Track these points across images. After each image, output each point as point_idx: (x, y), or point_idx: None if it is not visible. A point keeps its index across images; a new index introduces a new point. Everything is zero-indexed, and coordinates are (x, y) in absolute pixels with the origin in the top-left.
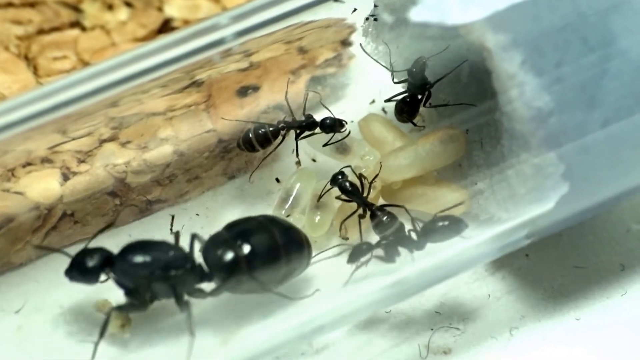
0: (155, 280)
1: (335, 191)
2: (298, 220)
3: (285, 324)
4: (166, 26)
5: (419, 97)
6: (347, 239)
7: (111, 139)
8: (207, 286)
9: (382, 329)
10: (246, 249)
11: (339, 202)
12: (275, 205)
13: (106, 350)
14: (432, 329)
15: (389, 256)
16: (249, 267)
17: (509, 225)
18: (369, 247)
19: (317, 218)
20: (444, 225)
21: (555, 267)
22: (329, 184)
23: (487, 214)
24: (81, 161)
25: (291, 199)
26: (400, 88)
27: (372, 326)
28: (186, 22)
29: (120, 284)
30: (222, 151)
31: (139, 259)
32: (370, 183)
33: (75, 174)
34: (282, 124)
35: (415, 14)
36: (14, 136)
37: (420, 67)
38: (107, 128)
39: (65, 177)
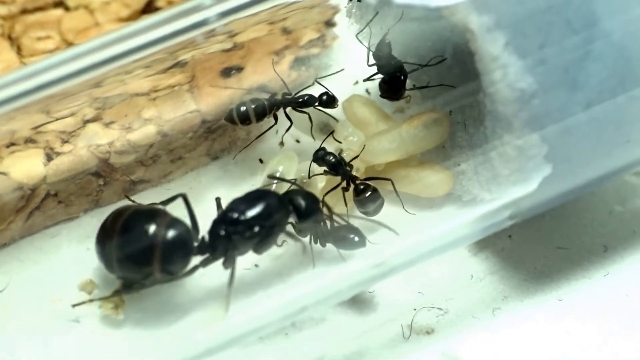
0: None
1: (320, 172)
2: None
3: (269, 304)
4: (150, 6)
5: (398, 74)
6: None
7: (95, 119)
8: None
9: (366, 309)
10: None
11: (323, 183)
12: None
13: (100, 332)
14: (415, 309)
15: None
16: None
17: (492, 207)
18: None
19: None
20: (345, 237)
21: (538, 248)
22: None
23: (470, 195)
24: (65, 141)
25: (275, 181)
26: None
27: (355, 306)
28: (170, 3)
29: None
30: (206, 132)
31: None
32: (349, 161)
33: (59, 154)
34: (279, 100)
35: None
36: None
37: (387, 48)
38: (90, 108)
39: (49, 158)
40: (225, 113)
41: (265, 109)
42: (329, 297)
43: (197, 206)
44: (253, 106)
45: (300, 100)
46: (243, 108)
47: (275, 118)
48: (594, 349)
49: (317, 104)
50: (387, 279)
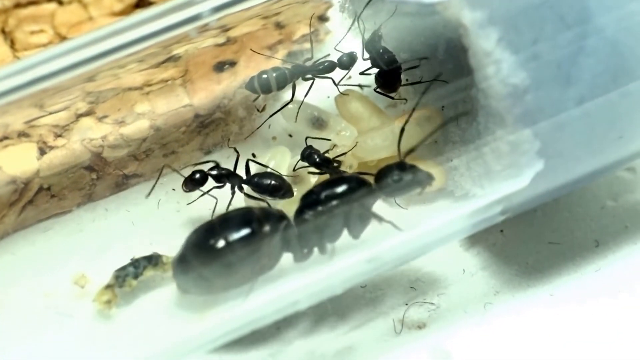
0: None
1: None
2: None
3: (261, 298)
4: (143, 0)
5: (394, 68)
6: None
7: (88, 113)
8: None
9: (358, 303)
10: None
11: (315, 177)
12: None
13: (92, 327)
14: (406, 304)
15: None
16: None
17: (484, 202)
18: None
19: (294, 193)
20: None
21: (529, 243)
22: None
23: (462, 190)
24: (58, 135)
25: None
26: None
27: (347, 301)
28: None
29: None
30: (199, 126)
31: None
32: (335, 157)
33: (52, 148)
34: (301, 67)
35: None
36: None
37: (380, 42)
38: (84, 102)
39: (42, 152)
40: (245, 82)
41: (287, 77)
42: (321, 292)
43: (189, 201)
44: (275, 74)
45: (322, 67)
46: (265, 76)
47: (294, 88)
48: (586, 344)
49: (339, 67)
50: (379, 273)
